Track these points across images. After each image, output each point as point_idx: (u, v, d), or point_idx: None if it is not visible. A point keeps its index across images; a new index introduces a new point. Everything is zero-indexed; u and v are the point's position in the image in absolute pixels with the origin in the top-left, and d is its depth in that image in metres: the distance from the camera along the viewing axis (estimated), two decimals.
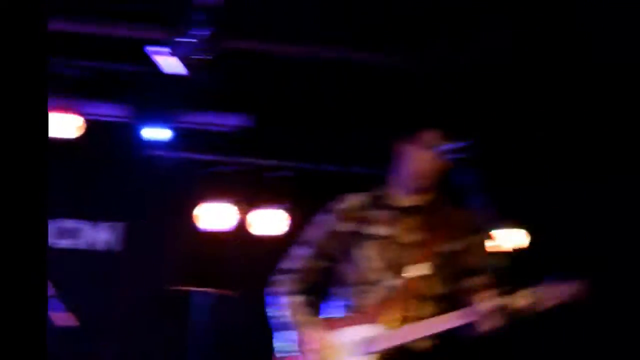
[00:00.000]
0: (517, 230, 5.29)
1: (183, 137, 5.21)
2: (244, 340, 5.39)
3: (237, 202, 5.40)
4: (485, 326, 2.67)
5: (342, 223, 3.01)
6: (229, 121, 4.93)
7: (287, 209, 5.38)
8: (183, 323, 5.49)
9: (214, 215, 5.36)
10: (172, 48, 3.17)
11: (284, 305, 3.02)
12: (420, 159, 2.89)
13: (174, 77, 3.30)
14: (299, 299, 3.01)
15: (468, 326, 2.73)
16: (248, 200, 5.42)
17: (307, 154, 5.38)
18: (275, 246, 5.03)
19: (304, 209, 5.23)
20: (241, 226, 5.42)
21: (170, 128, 4.89)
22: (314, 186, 5.34)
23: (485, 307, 2.66)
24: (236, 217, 5.40)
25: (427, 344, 2.91)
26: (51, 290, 3.73)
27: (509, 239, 5.22)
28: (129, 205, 5.50)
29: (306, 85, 4.54)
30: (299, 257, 3.07)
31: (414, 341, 2.83)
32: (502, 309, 2.64)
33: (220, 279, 5.58)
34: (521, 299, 2.66)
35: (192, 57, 3.14)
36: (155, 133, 4.91)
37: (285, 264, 3.10)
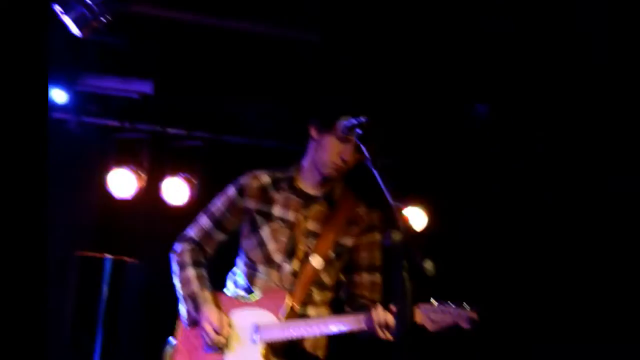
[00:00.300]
0: (415, 208, 5.38)
1: (89, 102, 5.10)
2: (155, 307, 5.35)
3: (146, 170, 5.32)
4: (379, 336, 2.70)
5: (245, 199, 3.02)
6: (135, 87, 4.83)
7: (196, 178, 5.35)
8: (94, 289, 5.40)
9: (123, 182, 5.27)
10: (66, 9, 3.07)
11: (182, 277, 3.03)
12: (335, 151, 2.89)
13: (77, 39, 3.20)
14: (197, 271, 3.01)
15: (361, 333, 2.75)
16: (157, 168, 5.35)
17: (218, 125, 5.34)
18: (185, 214, 5.04)
19: (213, 178, 5.25)
20: (150, 194, 5.35)
21: (71, 91, 4.77)
22: (223, 157, 5.34)
23: (380, 318, 2.69)
24: (145, 184, 5.32)
25: (316, 343, 2.96)
26: None
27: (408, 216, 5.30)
28: None
29: (213, 55, 4.48)
30: (199, 226, 3.07)
31: (304, 338, 2.85)
32: (394, 324, 2.63)
33: (129, 246, 5.50)
34: (415, 317, 2.68)
35: (87, 19, 3.05)
36: (54, 95, 4.78)
37: (187, 232, 3.09)
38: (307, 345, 2.93)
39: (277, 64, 4.55)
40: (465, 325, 2.65)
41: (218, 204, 3.07)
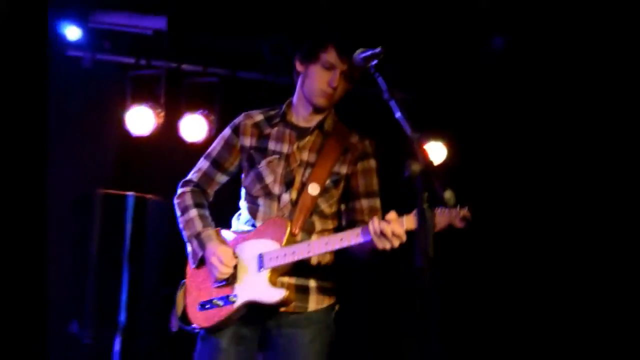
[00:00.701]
0: (434, 142, 5.34)
1: (104, 39, 5.07)
2: (177, 243, 5.42)
3: (162, 107, 5.32)
4: (378, 247, 2.72)
5: (240, 137, 3.09)
6: (149, 23, 4.79)
7: (213, 115, 5.34)
8: (118, 226, 5.48)
9: (140, 119, 5.27)
10: None
11: (185, 218, 3.10)
12: (322, 79, 2.95)
13: None
14: (199, 212, 3.08)
15: (363, 245, 2.79)
16: (174, 105, 5.35)
17: (233, 60, 5.31)
18: (202, 151, 5.05)
19: (230, 115, 5.23)
20: (168, 131, 5.35)
21: (85, 28, 4.74)
22: (239, 93, 5.32)
23: (376, 227, 2.71)
24: (163, 121, 5.33)
25: (324, 258, 3.03)
26: None
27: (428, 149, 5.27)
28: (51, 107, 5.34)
29: None
30: (199, 169, 3.14)
31: (309, 257, 2.90)
32: (394, 230, 2.67)
33: (148, 183, 5.54)
34: (408, 223, 2.70)
35: None
36: (68, 32, 4.76)
37: (188, 176, 3.16)
38: (312, 260, 2.99)
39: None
40: (459, 224, 2.66)
41: (216, 146, 3.15)
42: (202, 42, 5.18)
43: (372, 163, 3.07)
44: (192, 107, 5.32)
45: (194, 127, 5.32)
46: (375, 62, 2.62)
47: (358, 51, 2.73)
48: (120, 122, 5.25)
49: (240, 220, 3.11)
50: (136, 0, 4.63)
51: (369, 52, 2.66)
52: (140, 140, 5.30)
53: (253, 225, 3.03)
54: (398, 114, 2.47)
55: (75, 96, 5.24)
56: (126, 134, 5.27)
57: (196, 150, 5.29)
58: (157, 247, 5.53)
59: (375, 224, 2.70)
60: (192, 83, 5.35)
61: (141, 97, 5.25)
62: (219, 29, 4.94)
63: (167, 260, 5.43)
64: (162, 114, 5.30)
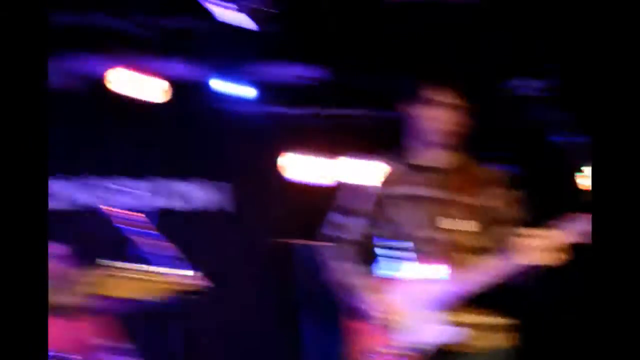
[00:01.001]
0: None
1: (262, 91, 5.21)
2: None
3: (327, 153, 5.37)
4: (534, 261, 2.67)
5: (383, 187, 3.06)
6: (306, 73, 4.88)
7: (378, 159, 5.30)
8: (289, 276, 5.55)
9: (307, 168, 5.36)
10: (238, 3, 3.17)
11: (340, 272, 3.07)
12: (431, 118, 2.93)
13: (242, 30, 3.27)
14: (351, 264, 3.04)
15: (519, 269, 2.75)
16: (338, 151, 5.38)
17: (391, 102, 5.26)
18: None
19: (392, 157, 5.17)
20: (333, 177, 5.39)
21: (248, 83, 4.89)
22: (399, 135, 5.24)
23: (529, 242, 2.67)
24: (329, 168, 5.37)
25: (490, 293, 2.88)
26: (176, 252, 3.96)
27: None
28: (226, 163, 5.57)
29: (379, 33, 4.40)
30: (349, 228, 3.09)
31: (473, 291, 2.83)
32: (539, 247, 2.65)
33: (318, 230, 5.58)
34: (555, 235, 2.65)
35: (258, 10, 3.12)
36: (236, 90, 4.93)
37: (334, 230, 3.12)
38: (479, 296, 2.87)
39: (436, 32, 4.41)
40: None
41: (357, 200, 3.10)
42: (363, 87, 5.19)
43: (506, 191, 2.98)
44: (359, 152, 5.32)
45: (363, 171, 5.31)
46: (539, 94, 2.53)
47: (515, 79, 2.65)
48: (291, 172, 5.35)
49: (385, 267, 3.05)
50: (294, 51, 4.72)
51: (535, 84, 2.58)
52: (307, 187, 5.37)
53: (399, 270, 2.97)
54: (562, 144, 2.36)
55: (246, 149, 5.42)
56: (293, 182, 5.36)
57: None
58: (330, 295, 5.51)
59: (526, 242, 2.67)
60: (354, 127, 5.37)
61: (308, 145, 5.33)
62: (373, 72, 4.93)
63: (340, 308, 5.39)
64: (330, 160, 5.35)
